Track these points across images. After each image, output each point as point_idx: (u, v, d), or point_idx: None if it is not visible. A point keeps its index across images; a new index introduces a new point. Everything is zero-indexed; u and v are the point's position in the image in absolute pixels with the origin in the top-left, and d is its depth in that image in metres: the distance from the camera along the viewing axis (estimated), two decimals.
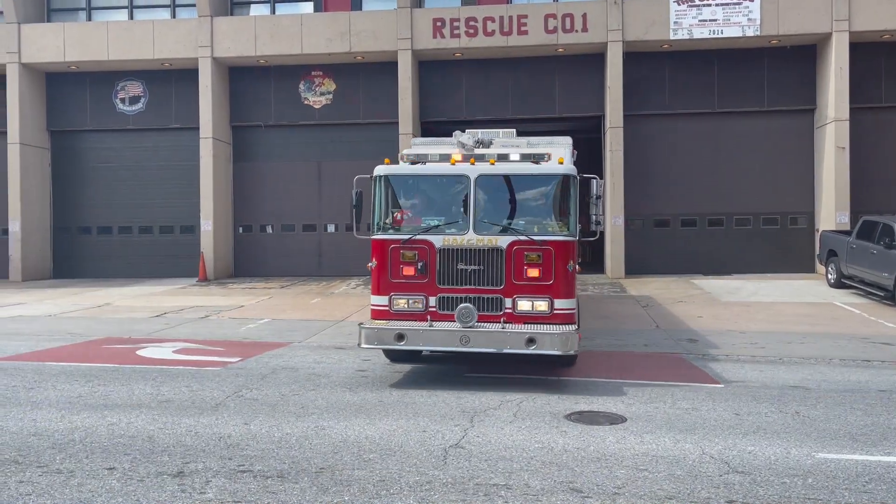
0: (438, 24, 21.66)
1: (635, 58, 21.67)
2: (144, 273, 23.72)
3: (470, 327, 8.16)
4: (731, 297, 16.74)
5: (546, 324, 8.22)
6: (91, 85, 24.43)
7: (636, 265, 21.61)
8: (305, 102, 23.57)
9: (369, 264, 8.72)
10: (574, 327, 8.26)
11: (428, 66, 22.85)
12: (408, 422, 6.91)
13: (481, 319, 8.28)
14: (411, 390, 8.28)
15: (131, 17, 24.28)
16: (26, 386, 8.51)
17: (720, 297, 16.76)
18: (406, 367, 9.54)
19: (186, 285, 21.14)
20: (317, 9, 23.40)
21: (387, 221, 8.79)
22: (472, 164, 8.60)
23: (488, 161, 8.67)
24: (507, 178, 8.65)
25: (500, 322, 8.23)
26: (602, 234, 22.44)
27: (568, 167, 8.79)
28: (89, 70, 24.04)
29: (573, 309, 8.43)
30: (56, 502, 4.84)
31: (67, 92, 24.57)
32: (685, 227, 22.52)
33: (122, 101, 24.41)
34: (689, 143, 22.40)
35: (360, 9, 23.11)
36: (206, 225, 22.50)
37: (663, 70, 22.25)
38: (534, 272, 8.29)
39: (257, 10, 23.96)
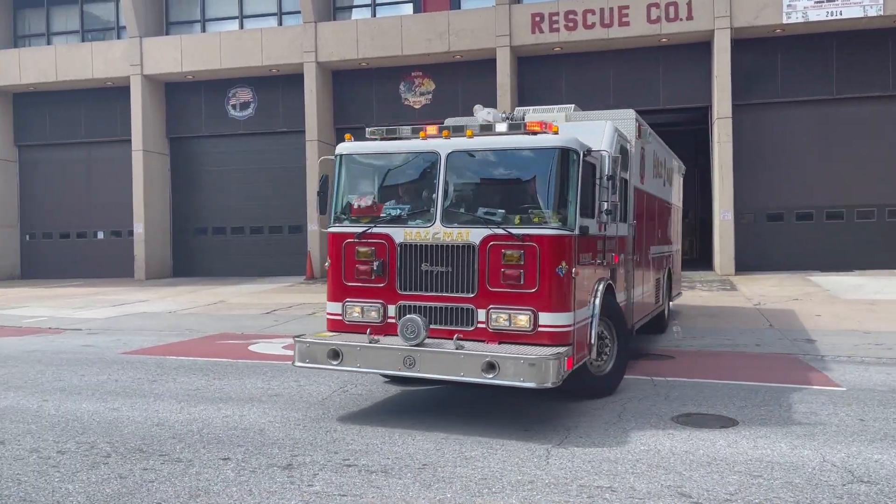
0: (537, 19, 21.50)
1: (744, 44, 20.77)
2: (255, 271, 24.78)
3: (416, 345, 6.38)
4: (852, 295, 15.75)
5: (528, 344, 6.41)
6: (205, 93, 25.76)
7: (747, 261, 20.71)
8: (405, 103, 23.94)
9: (325, 264, 7.37)
10: (562, 350, 6.30)
11: (527, 62, 22.71)
12: (509, 420, 6.87)
13: (444, 335, 6.55)
14: None
15: (241, 26, 25.42)
16: (149, 378, 9.05)
17: (840, 295, 15.80)
18: None
19: (294, 283, 21.92)
20: (416, 10, 23.73)
21: (344, 213, 7.31)
22: (446, 137, 6.88)
23: (465, 134, 6.85)
24: (487, 155, 6.86)
25: (455, 340, 6.41)
26: (711, 228, 21.64)
27: (564, 138, 6.62)
28: (204, 79, 25.36)
29: (567, 326, 6.49)
30: (177, 489, 5.11)
31: (184, 100, 26.08)
32: (800, 220, 21.39)
33: (234, 107, 25.58)
34: (804, 132, 21.26)
35: (459, 7, 23.23)
36: (313, 225, 23.25)
37: (775, 56, 21.22)
38: (513, 276, 6.48)
39: (359, 14, 24.54)
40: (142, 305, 17.61)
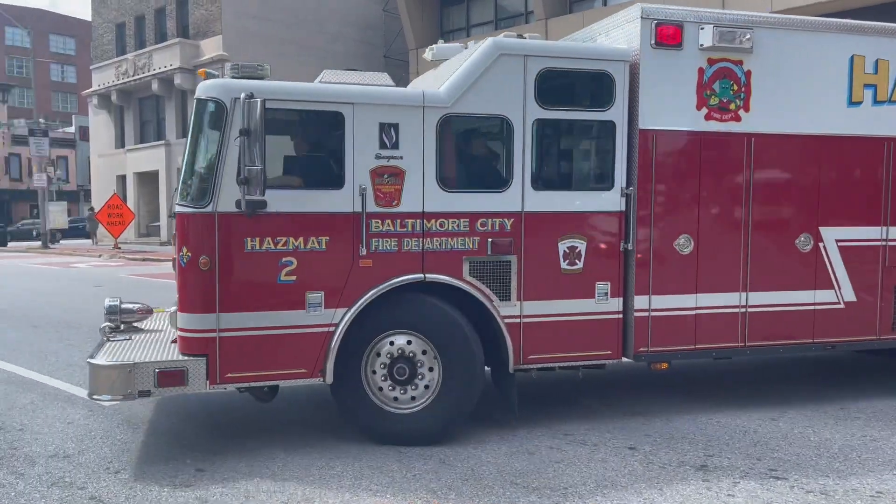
0: None
1: None
2: None
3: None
4: None
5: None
6: None
7: None
8: None
9: None
10: (180, 361, 4.99)
11: None
12: None
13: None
14: None
15: None
16: None
17: None
18: None
19: None
20: None
21: None
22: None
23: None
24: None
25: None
26: None
27: (206, 85, 5.16)
28: None
29: (199, 332, 5.04)
30: (583, 475, 4.86)
31: None
32: None
33: None
34: None
35: None
36: None
37: None
38: (179, 265, 5.25)
39: None
40: None
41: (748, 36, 5.89)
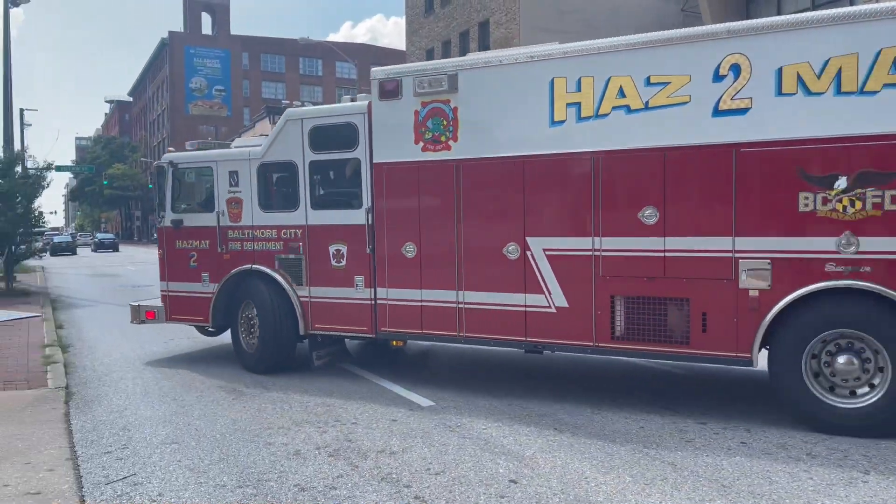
0: None
1: None
2: None
3: None
4: None
5: None
6: None
7: None
8: None
9: None
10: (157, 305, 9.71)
11: None
12: None
13: None
14: None
15: None
16: None
17: None
18: None
19: None
20: None
21: None
22: None
23: None
24: None
25: None
26: None
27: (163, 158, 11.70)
28: None
29: (162, 291, 9.70)
30: None
31: None
32: None
33: None
34: None
35: None
36: None
37: None
38: None
39: None
40: None
41: (447, 79, 7.23)
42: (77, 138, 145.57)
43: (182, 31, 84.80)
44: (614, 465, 5.35)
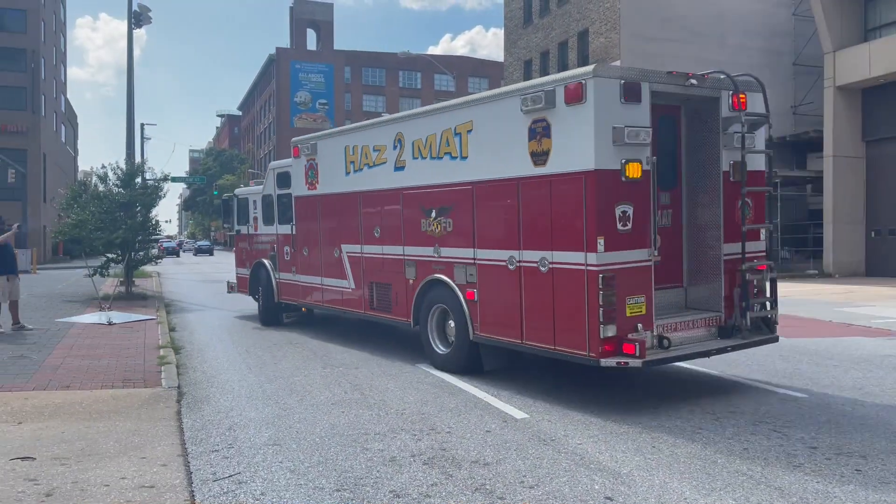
0: None
1: None
2: None
3: None
4: None
5: None
6: None
7: None
8: None
9: None
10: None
11: None
12: None
13: None
14: None
15: None
16: None
17: None
18: None
19: None
20: None
21: None
22: None
23: None
24: None
25: None
26: None
27: (231, 193, 18.73)
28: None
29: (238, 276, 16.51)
30: None
31: (878, 104, 25.25)
32: None
33: None
34: None
35: None
36: None
37: None
38: None
39: None
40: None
41: (311, 146, 12.38)
42: (191, 150, 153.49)
43: (288, 47, 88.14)
44: (715, 486, 5.17)
